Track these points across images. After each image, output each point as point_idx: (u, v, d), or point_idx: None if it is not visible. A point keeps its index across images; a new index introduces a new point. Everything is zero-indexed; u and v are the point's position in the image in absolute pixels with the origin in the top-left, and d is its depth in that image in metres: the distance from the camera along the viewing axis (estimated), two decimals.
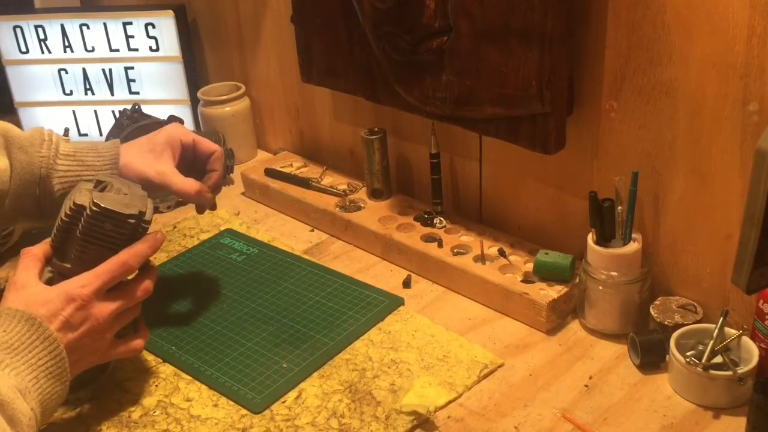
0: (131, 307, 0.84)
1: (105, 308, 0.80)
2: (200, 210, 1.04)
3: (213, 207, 1.06)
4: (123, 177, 0.93)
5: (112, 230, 0.82)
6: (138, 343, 0.86)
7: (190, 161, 1.01)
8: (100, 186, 0.85)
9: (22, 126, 1.55)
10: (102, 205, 0.80)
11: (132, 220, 0.82)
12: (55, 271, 0.83)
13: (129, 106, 1.40)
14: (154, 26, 1.46)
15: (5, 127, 0.92)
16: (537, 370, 0.90)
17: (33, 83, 1.55)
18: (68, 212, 0.82)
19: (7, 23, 1.50)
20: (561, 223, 1.05)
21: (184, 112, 1.50)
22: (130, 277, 0.84)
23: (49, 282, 0.81)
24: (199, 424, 0.85)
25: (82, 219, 0.81)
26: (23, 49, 1.52)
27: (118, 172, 0.93)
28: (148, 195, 0.86)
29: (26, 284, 0.79)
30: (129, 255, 0.82)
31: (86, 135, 1.57)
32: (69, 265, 0.82)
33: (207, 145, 1.01)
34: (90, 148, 0.95)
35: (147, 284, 0.84)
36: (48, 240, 0.84)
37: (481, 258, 1.04)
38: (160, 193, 1.00)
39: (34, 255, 0.82)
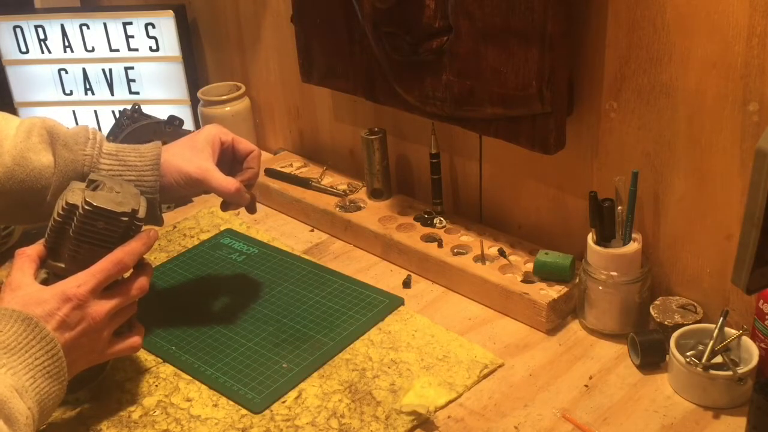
0: (127, 305, 0.83)
1: (101, 307, 0.80)
2: (228, 207, 1.01)
3: (252, 209, 1.02)
4: (164, 175, 0.93)
5: (105, 229, 0.81)
6: (135, 340, 0.85)
7: (229, 161, 1.01)
8: (93, 185, 0.84)
9: None
10: (94, 204, 0.80)
11: (125, 218, 0.82)
12: (50, 272, 0.82)
13: (129, 106, 1.40)
14: (154, 26, 1.46)
15: (50, 124, 0.92)
16: (537, 370, 0.90)
17: (33, 83, 1.55)
18: (61, 212, 0.81)
19: (7, 23, 1.50)
20: (561, 223, 1.05)
21: (184, 112, 1.50)
22: (125, 276, 0.84)
23: (45, 282, 0.81)
24: (199, 424, 0.85)
25: (75, 218, 0.80)
26: (23, 49, 1.52)
27: (159, 172, 0.93)
28: (195, 192, 0.84)
29: (21, 285, 0.79)
30: (123, 253, 0.82)
31: None
32: (63, 265, 0.82)
33: (245, 144, 1.01)
34: (132, 148, 0.95)
35: (142, 282, 0.84)
36: (42, 240, 0.83)
37: (481, 258, 1.04)
38: (199, 191, 0.99)
39: (28, 256, 0.82)
